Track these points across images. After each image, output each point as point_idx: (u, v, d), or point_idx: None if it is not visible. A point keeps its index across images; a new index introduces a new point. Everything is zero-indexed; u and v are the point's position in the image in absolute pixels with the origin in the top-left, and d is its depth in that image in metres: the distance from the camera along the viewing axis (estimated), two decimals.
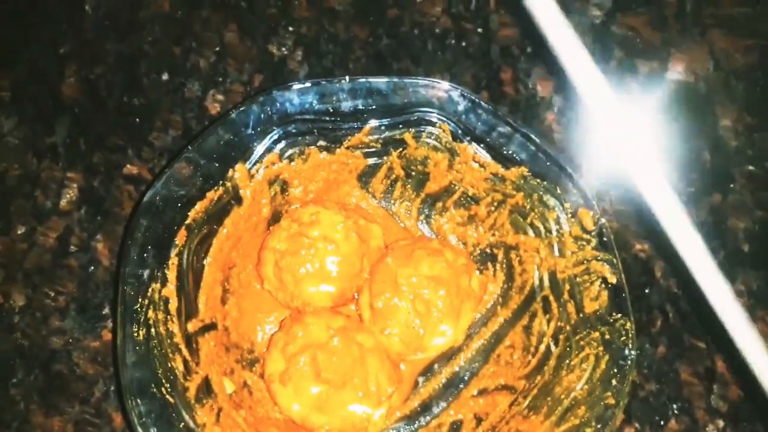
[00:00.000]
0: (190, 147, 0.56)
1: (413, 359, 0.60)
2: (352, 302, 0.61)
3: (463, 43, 0.74)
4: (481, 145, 0.58)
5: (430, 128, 0.59)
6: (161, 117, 0.71)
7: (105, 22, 0.74)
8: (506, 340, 0.60)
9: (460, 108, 0.58)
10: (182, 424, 0.51)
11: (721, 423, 0.62)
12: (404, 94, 0.58)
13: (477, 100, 0.58)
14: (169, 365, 0.52)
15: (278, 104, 0.58)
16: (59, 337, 0.63)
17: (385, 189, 0.65)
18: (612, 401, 0.52)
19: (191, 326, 0.55)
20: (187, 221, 0.56)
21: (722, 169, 0.70)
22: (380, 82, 0.58)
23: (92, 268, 0.66)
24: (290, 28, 0.74)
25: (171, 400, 0.51)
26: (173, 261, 0.55)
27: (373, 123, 0.59)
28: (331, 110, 0.58)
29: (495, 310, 0.62)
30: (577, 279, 0.56)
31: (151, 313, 0.53)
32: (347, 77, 0.58)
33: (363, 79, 0.58)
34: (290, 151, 0.60)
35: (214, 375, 0.55)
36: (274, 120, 0.58)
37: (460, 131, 0.58)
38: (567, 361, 0.55)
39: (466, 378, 0.60)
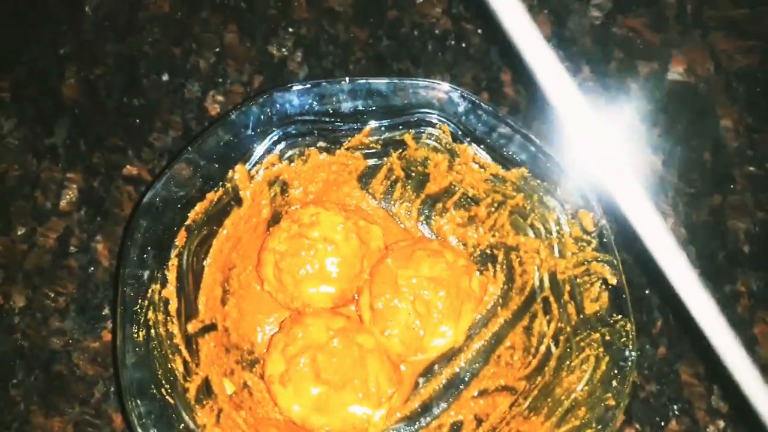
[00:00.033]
0: (190, 148, 0.56)
1: (413, 360, 0.60)
2: (352, 303, 0.61)
3: (464, 44, 0.74)
4: (482, 146, 0.58)
5: (430, 129, 0.59)
6: (161, 118, 0.71)
7: (105, 22, 0.74)
8: (506, 341, 0.60)
9: (461, 109, 0.58)
10: (182, 425, 0.51)
11: (721, 424, 0.61)
12: (404, 95, 0.58)
13: (477, 101, 0.58)
14: (169, 366, 0.52)
15: (278, 105, 0.58)
16: (59, 337, 0.63)
17: (385, 190, 0.65)
18: (612, 402, 0.52)
19: (191, 327, 0.55)
20: (187, 222, 0.56)
21: (723, 170, 0.70)
22: (380, 83, 0.58)
23: (92, 268, 0.66)
24: (290, 29, 0.74)
25: (171, 401, 0.51)
26: (173, 262, 0.55)
27: (373, 124, 0.59)
28: (331, 111, 0.58)
29: (495, 311, 0.62)
30: (578, 280, 0.56)
31: (150, 314, 0.53)
32: (347, 78, 0.58)
33: (363, 80, 0.58)
34: (290, 152, 0.60)
35: (214, 376, 0.55)
36: (274, 121, 0.58)
37: (460, 132, 0.58)
38: (567, 362, 0.55)
39: (466, 379, 0.60)
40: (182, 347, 0.53)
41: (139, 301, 0.53)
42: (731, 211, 0.68)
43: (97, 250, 0.66)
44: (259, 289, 0.62)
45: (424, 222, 0.65)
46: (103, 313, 0.64)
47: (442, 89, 0.58)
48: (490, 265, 0.63)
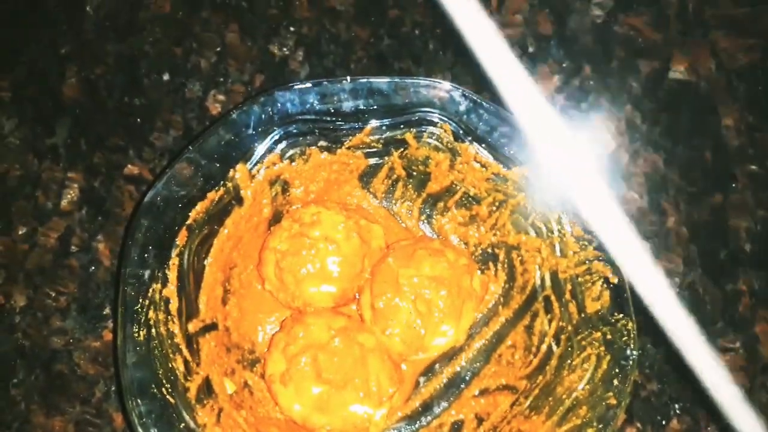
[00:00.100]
0: (191, 147, 0.56)
1: (414, 359, 0.60)
2: (353, 302, 0.61)
3: (465, 43, 0.74)
4: (483, 145, 0.58)
5: (431, 128, 0.59)
6: (162, 117, 0.71)
7: (105, 22, 0.74)
8: (508, 340, 0.60)
9: (462, 108, 0.58)
10: (183, 424, 0.51)
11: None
12: (405, 95, 0.58)
13: (478, 100, 0.58)
14: (170, 366, 0.52)
15: (279, 104, 0.58)
16: (60, 337, 0.63)
17: (387, 189, 0.65)
18: (614, 401, 0.52)
19: (192, 326, 0.55)
20: (188, 221, 0.55)
21: (724, 169, 0.70)
22: (381, 82, 0.58)
23: (93, 268, 0.66)
24: (291, 29, 0.74)
25: (171, 400, 0.51)
26: (174, 261, 0.55)
27: (375, 123, 0.59)
28: (333, 110, 0.58)
29: (496, 310, 0.62)
30: (579, 279, 0.56)
31: (151, 314, 0.52)
32: (348, 77, 0.58)
33: (364, 80, 0.58)
34: (291, 152, 0.60)
35: (214, 375, 0.55)
36: (275, 120, 0.58)
37: (461, 131, 0.58)
38: (569, 361, 0.55)
39: (467, 378, 0.60)
40: (183, 347, 0.53)
41: (140, 300, 0.52)
42: (732, 210, 0.68)
43: (98, 249, 0.66)
44: (260, 288, 0.61)
45: (425, 221, 0.65)
46: (104, 312, 0.64)
47: (443, 88, 0.58)
48: (491, 264, 0.63)
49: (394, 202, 0.65)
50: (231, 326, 0.59)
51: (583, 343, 0.54)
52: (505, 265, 0.62)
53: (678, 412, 0.62)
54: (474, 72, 0.73)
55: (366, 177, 0.64)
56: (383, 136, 0.60)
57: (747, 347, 0.63)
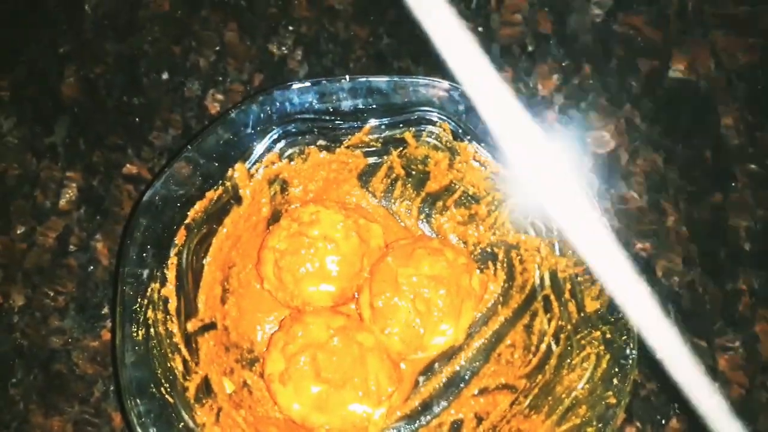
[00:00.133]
0: (189, 146, 0.56)
1: (414, 358, 0.60)
2: (352, 302, 0.61)
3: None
4: (482, 144, 0.58)
5: (430, 127, 0.59)
6: (161, 116, 0.71)
7: (104, 21, 0.74)
8: (507, 339, 0.60)
9: (461, 107, 0.58)
10: (182, 424, 0.51)
11: None
12: (404, 94, 0.58)
13: None
14: (169, 365, 0.52)
15: (278, 104, 0.57)
16: (59, 336, 0.63)
17: (386, 188, 0.64)
18: (613, 400, 0.52)
19: (191, 326, 0.55)
20: (187, 221, 0.55)
21: (724, 168, 0.69)
22: (380, 81, 0.58)
23: (91, 267, 0.65)
24: (290, 28, 0.74)
25: (170, 399, 0.51)
26: (172, 260, 0.54)
27: (374, 122, 0.59)
28: (331, 109, 0.58)
29: (496, 309, 0.62)
30: (578, 278, 0.56)
31: (150, 313, 0.52)
32: (347, 76, 0.58)
33: (363, 79, 0.58)
34: (290, 151, 0.60)
35: (213, 375, 0.55)
36: (274, 119, 0.58)
37: (460, 130, 0.58)
38: (568, 360, 0.55)
39: (466, 377, 0.60)
40: (182, 346, 0.53)
41: (139, 300, 0.52)
42: (732, 209, 0.68)
43: (97, 248, 0.66)
44: (258, 287, 0.61)
45: (424, 220, 0.65)
46: (103, 312, 0.64)
47: (442, 87, 0.58)
48: (490, 264, 0.63)
49: (393, 201, 0.65)
50: (230, 325, 0.59)
51: (583, 342, 0.54)
52: (505, 264, 0.62)
53: (678, 411, 0.62)
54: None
55: (365, 176, 0.64)
56: (382, 135, 0.60)
57: (747, 346, 0.63)
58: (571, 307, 0.56)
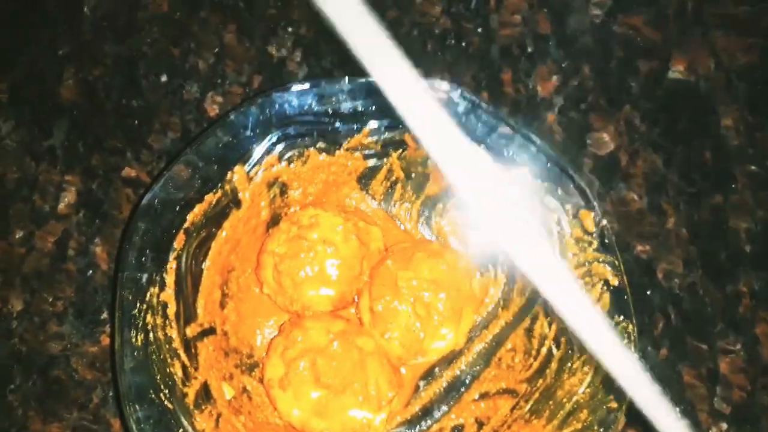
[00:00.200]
0: (188, 149, 0.56)
1: (414, 363, 0.60)
2: (351, 306, 0.61)
3: (463, 44, 0.74)
4: (482, 146, 0.58)
5: None
6: (160, 119, 0.70)
7: (103, 23, 0.74)
8: (507, 343, 0.60)
9: (460, 109, 0.57)
10: (181, 430, 0.50)
11: (724, 425, 0.61)
12: None
13: (477, 100, 0.57)
14: (168, 370, 0.52)
15: (277, 106, 0.57)
16: (57, 342, 0.63)
17: (385, 191, 0.64)
18: (614, 405, 0.51)
19: (190, 331, 0.55)
20: (186, 224, 0.55)
21: (724, 169, 0.69)
22: None
23: (90, 272, 0.65)
24: (289, 29, 0.74)
25: (170, 405, 0.51)
26: (171, 265, 0.54)
27: (373, 124, 0.59)
28: (331, 111, 0.58)
29: (496, 312, 0.61)
30: (579, 281, 0.56)
31: (149, 318, 0.52)
32: (347, 78, 0.58)
33: (362, 80, 0.58)
34: (289, 153, 0.59)
35: (213, 380, 0.55)
36: (273, 122, 0.57)
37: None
38: (569, 364, 0.55)
39: (467, 382, 0.60)
40: (181, 351, 0.53)
41: (138, 304, 0.52)
42: (732, 211, 0.68)
43: (96, 253, 0.66)
44: (258, 292, 0.61)
45: (424, 223, 0.65)
46: (102, 317, 0.64)
47: (441, 89, 0.57)
48: (491, 267, 0.62)
49: (392, 203, 0.65)
50: (229, 330, 0.59)
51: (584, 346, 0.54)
52: (505, 268, 0.61)
53: (679, 414, 0.61)
54: (473, 71, 0.72)
55: (364, 179, 0.63)
56: (382, 138, 0.60)
57: (747, 349, 0.63)
58: None
